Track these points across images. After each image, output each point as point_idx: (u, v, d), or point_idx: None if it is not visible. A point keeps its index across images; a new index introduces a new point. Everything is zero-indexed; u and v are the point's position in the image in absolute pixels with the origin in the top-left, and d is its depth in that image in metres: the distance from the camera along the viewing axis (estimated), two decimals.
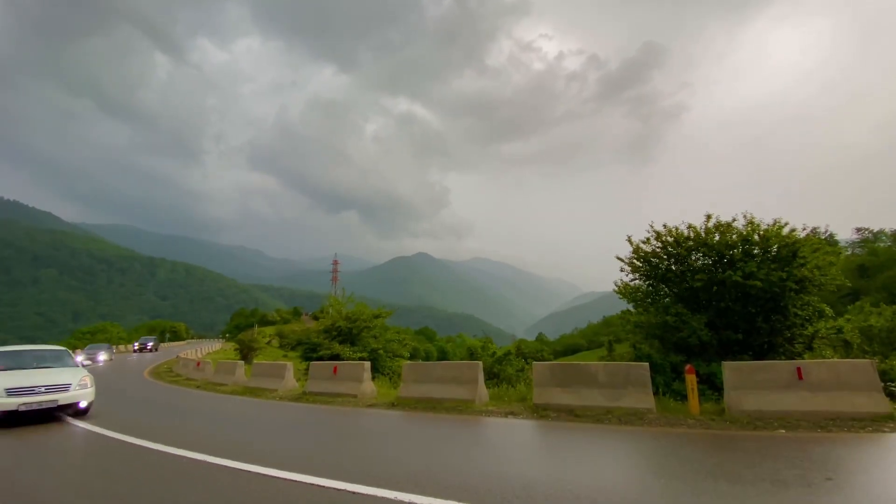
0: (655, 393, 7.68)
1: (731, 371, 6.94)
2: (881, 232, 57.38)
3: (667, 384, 10.06)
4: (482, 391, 8.81)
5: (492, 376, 19.05)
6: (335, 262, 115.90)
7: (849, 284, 12.72)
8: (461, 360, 33.75)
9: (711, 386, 9.54)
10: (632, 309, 13.19)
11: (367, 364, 11.06)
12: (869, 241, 57.43)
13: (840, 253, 14.77)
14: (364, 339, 18.77)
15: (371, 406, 9.24)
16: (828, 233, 42.39)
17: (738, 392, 6.73)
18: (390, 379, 15.37)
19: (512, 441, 6.11)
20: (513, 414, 7.63)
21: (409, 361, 15.47)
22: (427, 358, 53.72)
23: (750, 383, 6.73)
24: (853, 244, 57.80)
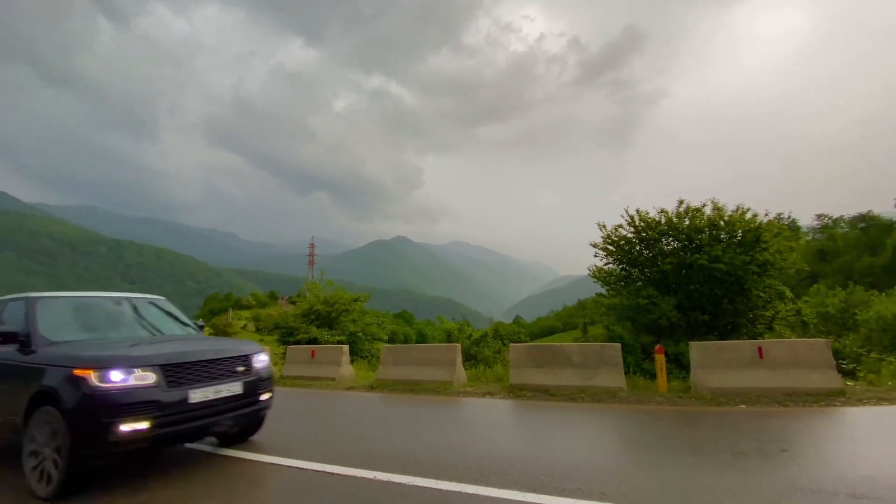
0: (627, 372, 7.97)
1: (697, 351, 7.25)
2: (840, 219, 60.29)
3: (637, 364, 10.44)
4: (460, 372, 8.94)
5: (469, 358, 19.36)
6: (312, 246, 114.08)
7: (807, 268, 13.38)
8: (439, 342, 34.13)
9: (679, 365, 9.95)
10: (605, 292, 13.55)
11: (346, 347, 11.05)
12: (828, 227, 60.29)
13: (799, 238, 15.49)
14: (342, 322, 18.72)
15: (350, 389, 9.27)
16: (790, 218, 44.26)
17: (704, 370, 7.05)
18: (369, 362, 15.41)
19: (489, 420, 6.25)
20: (490, 394, 7.79)
21: (387, 344, 15.54)
22: (406, 341, 54.03)
23: (714, 362, 7.06)
24: (813, 230, 60.56)
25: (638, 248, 12.36)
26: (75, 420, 3.34)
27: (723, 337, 11.04)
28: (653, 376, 8.19)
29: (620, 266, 12.90)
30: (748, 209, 11.34)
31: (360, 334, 18.84)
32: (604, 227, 12.75)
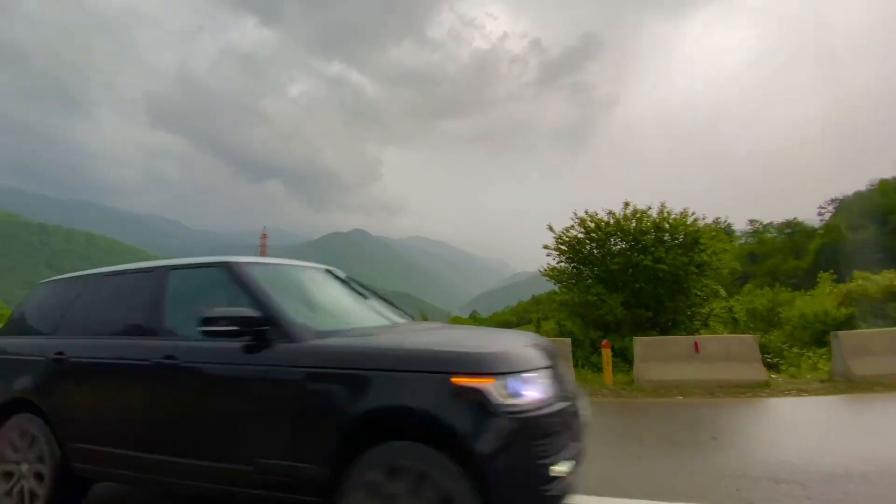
0: (576, 366, 8.25)
1: (640, 345, 7.62)
2: (770, 224, 65.64)
3: (586, 358, 10.82)
4: None
5: None
6: (264, 236, 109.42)
7: (740, 269, 14.43)
8: None
9: (624, 359, 10.41)
10: (557, 289, 13.96)
11: None
12: (759, 231, 65.46)
13: (733, 241, 16.70)
14: None
15: None
16: (726, 223, 47.59)
17: (646, 364, 7.42)
18: None
19: None
20: None
21: None
22: None
23: (656, 356, 7.44)
24: (746, 234, 65.54)
25: (589, 247, 12.81)
26: (492, 467, 1.82)
27: (664, 332, 11.66)
28: (600, 370, 8.52)
29: (572, 264, 13.33)
30: (692, 213, 12.01)
31: None
32: (552, 229, 13.11)
